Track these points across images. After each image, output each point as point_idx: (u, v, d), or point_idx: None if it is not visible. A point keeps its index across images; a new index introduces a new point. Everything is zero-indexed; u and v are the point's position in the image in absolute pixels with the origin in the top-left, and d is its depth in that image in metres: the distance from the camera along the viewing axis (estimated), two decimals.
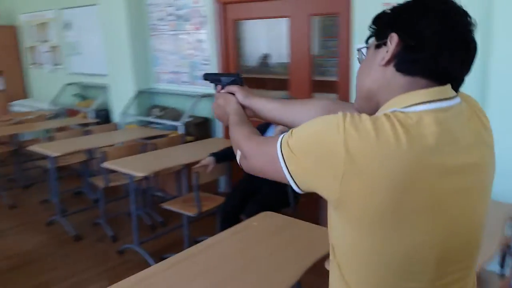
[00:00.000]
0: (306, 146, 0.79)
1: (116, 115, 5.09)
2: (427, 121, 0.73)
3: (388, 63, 0.80)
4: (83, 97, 5.85)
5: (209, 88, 2.49)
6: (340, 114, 0.75)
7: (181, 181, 3.73)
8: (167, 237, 3.56)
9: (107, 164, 3.14)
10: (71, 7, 5.81)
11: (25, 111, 5.95)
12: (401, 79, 0.79)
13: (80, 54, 5.94)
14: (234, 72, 2.38)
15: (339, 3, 3.39)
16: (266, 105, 1.16)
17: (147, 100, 5.02)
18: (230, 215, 2.95)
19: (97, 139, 4.08)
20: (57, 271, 3.11)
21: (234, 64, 4.36)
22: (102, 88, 5.37)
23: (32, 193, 4.72)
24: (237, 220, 2.71)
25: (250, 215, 2.25)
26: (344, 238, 0.81)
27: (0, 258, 3.31)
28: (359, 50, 0.92)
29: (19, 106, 6.49)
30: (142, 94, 4.95)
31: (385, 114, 0.75)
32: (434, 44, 0.75)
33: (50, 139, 4.15)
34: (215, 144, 3.58)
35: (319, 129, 0.78)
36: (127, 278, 1.56)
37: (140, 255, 3.20)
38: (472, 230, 0.82)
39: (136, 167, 3.05)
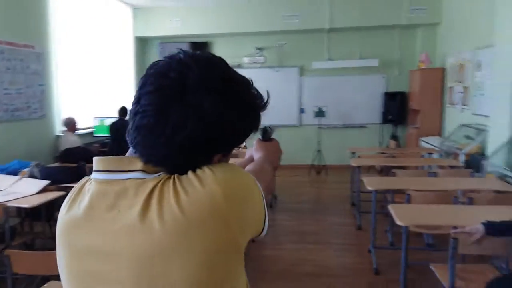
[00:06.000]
0: None
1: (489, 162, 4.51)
2: None
3: None
4: (472, 139, 5.50)
5: None
6: None
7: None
8: None
9: (392, 207, 2.95)
10: (484, 48, 5.58)
11: (427, 147, 6.27)
12: None
13: (482, 95, 5.61)
14: None
15: None
16: None
17: None
18: None
19: (423, 182, 3.88)
20: None
21: None
22: (483, 131, 4.90)
23: None
24: None
25: None
26: None
27: None
28: None
29: (423, 142, 6.88)
30: None
31: None
32: None
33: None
34: None
35: None
36: None
37: None
38: None
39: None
